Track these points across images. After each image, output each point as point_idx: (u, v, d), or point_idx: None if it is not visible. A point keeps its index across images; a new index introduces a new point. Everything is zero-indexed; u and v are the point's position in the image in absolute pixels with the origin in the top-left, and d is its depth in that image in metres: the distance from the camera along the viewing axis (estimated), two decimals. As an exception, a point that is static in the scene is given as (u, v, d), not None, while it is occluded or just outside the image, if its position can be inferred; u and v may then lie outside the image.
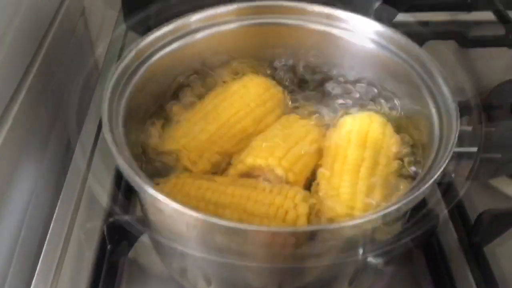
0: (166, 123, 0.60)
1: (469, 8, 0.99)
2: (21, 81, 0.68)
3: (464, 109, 0.72)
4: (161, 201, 0.42)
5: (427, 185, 0.44)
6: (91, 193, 0.65)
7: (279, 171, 0.53)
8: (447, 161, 0.45)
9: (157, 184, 0.52)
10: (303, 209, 0.49)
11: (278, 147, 0.55)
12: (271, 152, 0.54)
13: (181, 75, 0.62)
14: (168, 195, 0.43)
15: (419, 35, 0.84)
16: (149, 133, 0.57)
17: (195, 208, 0.42)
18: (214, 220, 0.40)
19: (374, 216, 0.43)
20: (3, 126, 0.63)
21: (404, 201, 0.43)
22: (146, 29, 0.58)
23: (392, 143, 0.57)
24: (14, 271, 0.64)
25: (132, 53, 0.54)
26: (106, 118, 0.47)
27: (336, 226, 0.43)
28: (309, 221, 0.50)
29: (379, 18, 0.93)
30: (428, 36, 0.86)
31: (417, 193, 0.44)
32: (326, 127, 0.62)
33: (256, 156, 0.54)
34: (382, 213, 0.43)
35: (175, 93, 0.62)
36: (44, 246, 0.61)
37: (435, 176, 0.44)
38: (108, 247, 0.60)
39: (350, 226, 0.42)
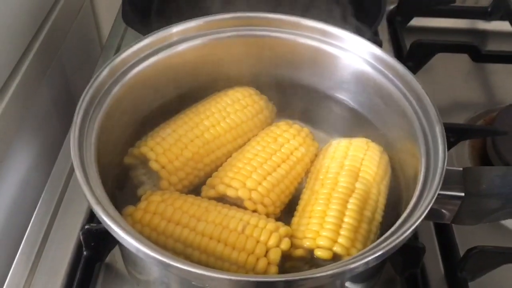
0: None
1: (489, 17, 0.95)
2: (22, 56, 0.70)
3: (466, 132, 0.70)
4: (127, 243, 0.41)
5: (404, 236, 0.42)
6: (72, 197, 0.64)
7: (248, 205, 0.51)
8: (427, 211, 0.43)
9: (129, 214, 0.50)
10: (275, 255, 0.47)
11: (253, 175, 0.53)
12: (243, 181, 0.52)
13: (161, 95, 0.60)
14: (135, 230, 0.42)
15: (430, 46, 0.82)
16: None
17: (163, 245, 0.42)
18: (177, 264, 0.39)
19: (349, 266, 0.40)
20: (2, 101, 0.64)
21: (382, 251, 0.41)
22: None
23: (385, 178, 0.54)
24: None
25: (106, 71, 0.51)
26: (77, 149, 0.46)
27: (307, 276, 0.40)
28: (286, 254, 0.49)
29: (393, 21, 0.92)
30: (440, 49, 0.83)
31: (394, 243, 0.41)
32: (316, 143, 0.60)
33: (228, 184, 0.52)
34: (357, 263, 0.40)
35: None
36: (20, 247, 0.60)
37: (412, 228, 0.42)
38: (84, 252, 0.59)
39: (319, 277, 0.40)
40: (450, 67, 0.88)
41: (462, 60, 0.85)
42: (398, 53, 0.87)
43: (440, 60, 0.84)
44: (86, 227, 0.57)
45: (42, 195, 0.65)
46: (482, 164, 0.73)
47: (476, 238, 0.61)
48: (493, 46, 0.93)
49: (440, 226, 0.64)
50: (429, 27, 0.96)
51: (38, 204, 0.64)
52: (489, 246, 0.57)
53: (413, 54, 0.83)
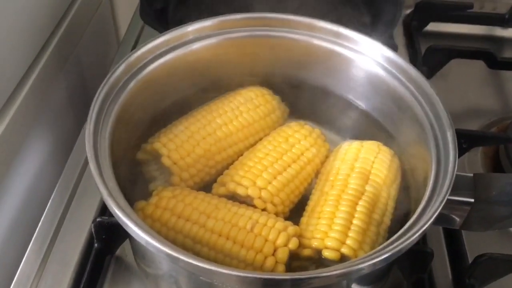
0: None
1: (506, 24, 0.94)
2: (41, 50, 0.71)
3: (479, 139, 0.70)
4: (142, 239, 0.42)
5: (411, 239, 0.42)
6: (85, 190, 0.65)
7: (258, 203, 0.52)
8: (435, 215, 0.43)
9: (140, 209, 0.51)
10: (283, 254, 0.47)
11: (263, 174, 0.53)
12: (254, 180, 0.53)
13: (175, 92, 0.61)
14: (145, 224, 0.43)
15: (446, 51, 0.82)
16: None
17: (172, 241, 0.43)
18: (185, 258, 0.40)
19: (356, 267, 0.41)
20: (19, 95, 0.65)
21: (388, 254, 0.41)
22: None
23: (395, 181, 0.55)
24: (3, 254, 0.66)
25: (122, 67, 0.52)
26: (91, 142, 0.46)
27: (314, 275, 0.41)
28: (294, 253, 0.49)
29: (409, 26, 0.92)
30: (455, 54, 0.82)
31: (401, 246, 0.42)
32: (327, 144, 0.60)
33: (238, 183, 0.53)
34: (364, 264, 0.41)
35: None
36: (33, 237, 0.61)
37: (420, 232, 0.42)
38: (95, 245, 0.60)
39: (326, 276, 0.40)
40: (466, 73, 0.88)
41: (478, 66, 0.85)
42: (414, 58, 0.87)
43: (455, 66, 0.84)
44: (97, 219, 0.58)
45: (56, 187, 0.66)
46: (494, 171, 0.73)
47: (486, 245, 0.61)
48: (509, 53, 0.92)
49: (449, 231, 0.64)
50: (446, 33, 0.96)
51: (52, 196, 0.65)
52: (498, 254, 0.57)
53: (428, 59, 0.83)
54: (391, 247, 0.41)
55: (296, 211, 0.55)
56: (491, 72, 0.87)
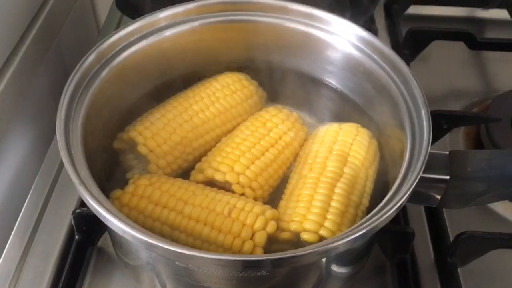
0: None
1: (487, 4, 0.94)
2: (19, 43, 0.69)
3: (460, 119, 0.70)
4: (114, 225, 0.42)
5: (385, 216, 0.42)
6: (65, 182, 0.65)
7: (236, 189, 0.52)
8: (409, 192, 0.43)
9: (116, 198, 0.51)
10: (260, 238, 0.47)
11: (241, 159, 0.53)
12: (231, 165, 0.53)
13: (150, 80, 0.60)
14: (122, 213, 0.43)
15: (426, 33, 0.82)
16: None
17: (150, 228, 0.43)
18: (158, 243, 0.40)
19: (331, 245, 0.41)
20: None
21: (363, 231, 0.41)
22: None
23: (374, 163, 0.55)
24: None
25: (93, 55, 0.52)
26: (62, 131, 0.46)
27: (291, 255, 0.40)
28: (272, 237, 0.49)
29: (390, 9, 0.92)
30: (435, 36, 0.82)
31: (375, 223, 0.41)
32: (305, 127, 0.60)
33: (216, 169, 0.53)
34: (340, 242, 0.40)
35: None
36: (13, 230, 0.61)
37: (393, 209, 0.42)
38: (76, 236, 0.60)
39: (304, 254, 0.40)
40: (447, 55, 0.88)
41: (459, 48, 0.84)
42: (395, 41, 0.86)
43: (436, 48, 0.84)
44: (77, 211, 0.57)
45: (36, 180, 0.66)
46: (476, 151, 0.73)
47: (467, 223, 0.61)
48: (491, 34, 0.92)
49: (431, 211, 0.64)
50: (427, 15, 0.96)
51: (32, 188, 0.65)
52: (478, 232, 0.57)
53: (409, 42, 0.83)
54: (365, 224, 0.41)
55: (276, 195, 0.55)
56: (472, 53, 0.87)
